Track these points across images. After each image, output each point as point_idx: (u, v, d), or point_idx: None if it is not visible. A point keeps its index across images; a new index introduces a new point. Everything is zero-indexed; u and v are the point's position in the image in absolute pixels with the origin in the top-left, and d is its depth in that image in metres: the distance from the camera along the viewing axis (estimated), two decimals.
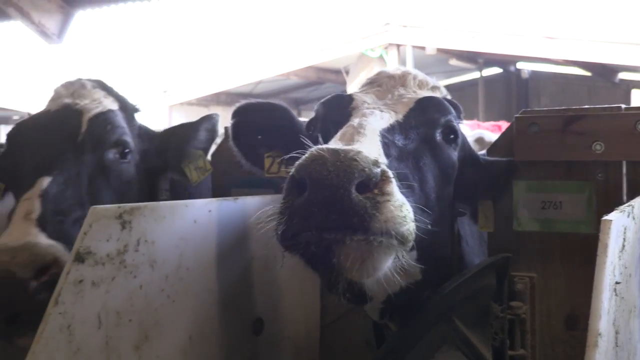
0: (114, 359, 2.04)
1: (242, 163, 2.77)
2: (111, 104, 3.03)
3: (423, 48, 17.14)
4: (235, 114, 2.70)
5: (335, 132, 2.20)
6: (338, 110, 2.38)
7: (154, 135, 3.24)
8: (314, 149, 1.79)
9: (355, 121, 2.14)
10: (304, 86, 23.03)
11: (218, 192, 3.42)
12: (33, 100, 21.49)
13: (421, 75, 2.57)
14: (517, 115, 2.60)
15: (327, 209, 1.70)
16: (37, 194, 2.52)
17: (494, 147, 2.71)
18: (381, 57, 17.20)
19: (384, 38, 17.06)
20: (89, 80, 3.08)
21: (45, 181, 2.57)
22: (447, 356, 2.34)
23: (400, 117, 2.29)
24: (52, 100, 2.98)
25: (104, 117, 2.91)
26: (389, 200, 1.75)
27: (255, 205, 2.63)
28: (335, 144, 1.92)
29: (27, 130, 2.86)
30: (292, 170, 1.80)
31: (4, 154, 2.89)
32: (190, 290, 2.32)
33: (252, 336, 2.66)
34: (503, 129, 3.96)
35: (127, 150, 2.95)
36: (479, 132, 5.02)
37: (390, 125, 2.21)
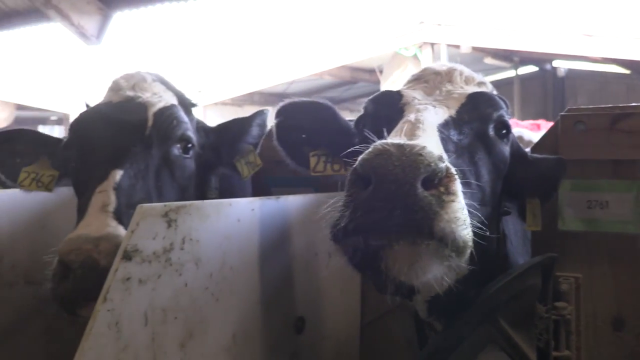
0: (159, 357, 2.05)
1: (287, 162, 2.77)
2: (171, 98, 3.05)
3: (458, 46, 17.01)
4: (279, 114, 2.70)
5: (388, 129, 2.18)
6: (388, 107, 2.37)
7: (209, 130, 3.26)
8: (378, 143, 1.77)
9: (411, 116, 2.13)
10: (338, 85, 23.02)
11: (258, 191, 3.44)
12: (70, 101, 21.84)
13: (467, 71, 2.55)
14: (562, 114, 2.57)
15: (392, 203, 1.68)
16: (112, 187, 2.54)
17: (538, 146, 2.68)
18: (415, 56, 17.10)
19: (418, 37, 16.95)
20: (149, 73, 3.10)
21: (118, 174, 2.60)
22: (491, 357, 2.32)
23: (453, 112, 2.28)
24: (112, 91, 3.00)
25: (169, 112, 2.92)
26: (454, 201, 1.73)
27: (296, 204, 2.64)
28: (397, 138, 1.89)
29: (91, 121, 2.88)
30: (356, 164, 1.78)
31: (67, 143, 2.92)
32: (233, 289, 2.33)
33: (294, 335, 2.66)
34: (542, 128, 3.90)
35: (189, 146, 2.97)
36: (518, 130, 4.96)
37: (445, 120, 2.21)
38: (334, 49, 19.29)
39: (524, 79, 22.45)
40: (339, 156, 2.68)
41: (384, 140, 1.79)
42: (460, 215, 1.74)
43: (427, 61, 16.56)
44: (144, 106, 2.90)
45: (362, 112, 2.58)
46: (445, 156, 1.87)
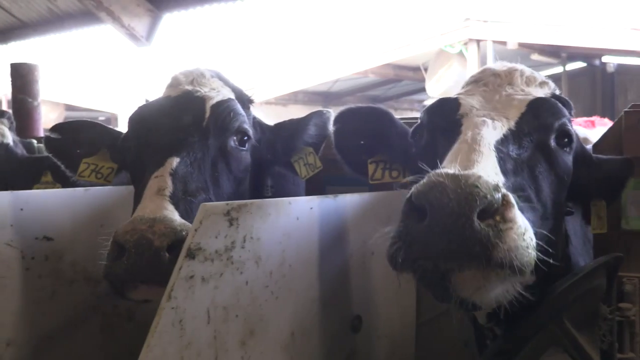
0: (221, 355, 2.07)
1: (345, 170, 2.77)
2: (229, 93, 3.07)
3: (504, 43, 16.76)
4: (337, 120, 2.69)
5: (444, 141, 2.16)
6: (445, 118, 2.32)
7: (265, 127, 3.29)
8: (432, 174, 1.77)
9: (468, 135, 2.09)
10: (382, 84, 22.90)
11: (312, 189, 3.44)
12: (118, 102, 22.22)
13: (528, 71, 2.48)
14: (626, 110, 2.51)
15: (448, 237, 1.68)
16: (168, 172, 2.58)
17: (600, 143, 2.62)
18: (461, 53, 16.92)
19: (464, 33, 16.74)
20: (207, 69, 3.14)
21: (175, 161, 2.63)
22: (554, 359, 2.28)
23: (512, 124, 2.21)
24: (171, 86, 3.05)
25: (226, 105, 2.96)
26: (511, 228, 1.71)
27: (353, 203, 2.63)
28: (452, 166, 1.88)
29: (150, 114, 2.93)
30: (410, 194, 1.78)
31: (126, 136, 2.99)
32: (292, 287, 2.33)
33: (351, 334, 2.65)
34: (597, 125, 3.81)
35: (246, 138, 3.00)
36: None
37: (504, 135, 2.14)
38: (377, 47, 19.20)
39: (572, 75, 22.00)
40: (397, 162, 2.66)
41: (438, 171, 1.78)
42: (519, 242, 1.73)
43: (472, 58, 16.38)
44: (201, 99, 2.94)
45: (418, 119, 2.54)
46: (502, 181, 1.87)
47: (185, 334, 1.95)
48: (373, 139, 2.71)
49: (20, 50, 11.73)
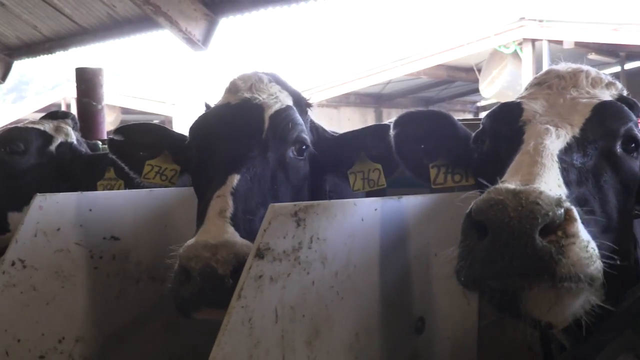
0: (288, 353, 2.10)
1: (406, 174, 2.75)
2: (286, 99, 3.08)
3: (560, 42, 16.44)
4: (397, 125, 2.67)
5: (507, 149, 2.13)
6: (508, 124, 2.28)
7: (322, 131, 3.30)
8: (492, 190, 1.75)
9: (530, 146, 2.04)
10: (434, 85, 22.72)
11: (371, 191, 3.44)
12: (173, 105, 22.61)
13: (594, 72, 2.41)
14: None
15: (511, 255, 1.66)
16: (229, 192, 2.61)
17: None
18: (515, 53, 16.67)
19: (518, 33, 16.49)
20: (265, 73, 3.15)
21: (235, 179, 2.65)
22: None
23: (576, 131, 2.16)
24: (230, 92, 3.07)
25: (285, 115, 2.96)
26: (574, 243, 1.69)
27: (416, 204, 2.63)
28: (513, 180, 1.85)
29: (210, 123, 2.96)
30: (470, 210, 1.77)
31: (188, 145, 3.03)
32: (357, 288, 2.35)
33: (414, 335, 2.65)
34: None
35: (304, 147, 3.00)
36: None
37: (567, 144, 2.09)
38: (430, 48, 19.06)
39: (630, 74, 21.44)
40: (459, 166, 2.64)
41: (498, 186, 1.76)
42: (582, 254, 1.70)
43: (527, 59, 16.12)
44: (260, 108, 2.94)
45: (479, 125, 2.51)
46: (565, 194, 1.83)
47: (254, 332, 1.98)
48: (434, 143, 2.67)
49: (79, 55, 12.05)
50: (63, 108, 21.51)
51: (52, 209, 2.90)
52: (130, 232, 3.23)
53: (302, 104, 3.20)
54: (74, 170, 4.30)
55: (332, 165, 3.19)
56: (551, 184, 1.84)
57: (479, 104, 23.66)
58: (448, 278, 2.77)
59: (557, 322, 1.87)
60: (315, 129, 3.27)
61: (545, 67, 14.89)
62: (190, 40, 8.18)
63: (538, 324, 1.92)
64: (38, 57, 11.96)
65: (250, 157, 2.77)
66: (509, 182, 1.83)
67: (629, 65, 21.72)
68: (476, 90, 19.28)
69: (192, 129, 3.02)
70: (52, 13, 10.20)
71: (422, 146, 2.69)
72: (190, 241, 2.44)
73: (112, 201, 3.18)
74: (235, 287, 1.97)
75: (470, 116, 22.32)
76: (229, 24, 8.58)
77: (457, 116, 3.21)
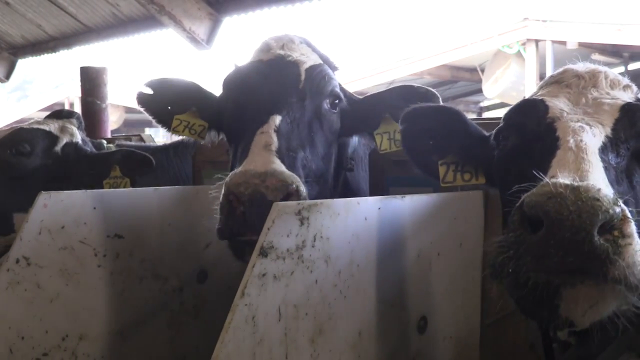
0: (291, 352, 2.10)
1: (415, 171, 2.75)
2: (317, 60, 3.18)
3: (563, 43, 16.41)
4: (405, 120, 2.65)
5: (538, 146, 2.10)
6: (534, 120, 2.25)
7: (349, 94, 3.36)
8: (549, 183, 1.72)
9: (571, 142, 2.01)
10: (438, 85, 22.66)
11: (375, 190, 3.45)
12: None
13: (611, 74, 2.39)
14: None
15: (566, 251, 1.63)
16: (273, 129, 2.69)
17: None
18: (519, 54, 16.65)
19: (522, 34, 16.46)
20: (296, 35, 3.26)
21: (277, 119, 2.75)
22: None
23: (608, 130, 2.13)
24: (262, 51, 3.16)
25: (320, 69, 3.09)
26: (630, 244, 1.66)
27: (420, 204, 2.63)
28: (564, 175, 1.81)
29: (248, 75, 3.06)
30: (522, 202, 1.73)
31: (222, 97, 3.14)
32: (360, 287, 2.35)
33: (417, 334, 2.66)
34: None
35: (337, 101, 3.12)
36: None
37: (603, 143, 2.07)
38: (434, 47, 19.05)
39: (634, 75, 21.35)
40: (469, 164, 2.62)
41: (556, 181, 1.72)
42: (637, 257, 1.67)
43: (531, 59, 16.10)
44: (296, 63, 3.06)
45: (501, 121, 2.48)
46: (617, 195, 1.79)
47: (257, 330, 1.99)
48: (443, 139, 2.65)
49: (82, 54, 12.07)
50: (67, 107, 21.53)
51: (56, 207, 2.91)
52: (134, 230, 3.24)
53: (331, 66, 3.31)
54: (80, 169, 4.32)
55: (359, 125, 3.27)
56: (601, 182, 1.81)
57: (482, 104, 23.65)
58: (451, 277, 2.81)
59: (591, 321, 1.82)
60: (342, 89, 3.35)
61: (549, 67, 14.89)
62: (194, 39, 8.20)
63: (565, 322, 1.88)
64: (42, 56, 11.99)
65: (290, 102, 2.89)
66: (561, 178, 1.79)
67: (632, 66, 21.68)
68: (479, 91, 19.25)
69: (227, 81, 3.13)
70: (56, 12, 10.23)
71: (431, 142, 2.66)
72: (237, 170, 2.48)
73: (116, 199, 3.18)
74: None
75: (473, 116, 22.31)
76: (233, 23, 8.59)
77: None
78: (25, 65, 13.44)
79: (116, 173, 4.15)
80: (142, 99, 3.31)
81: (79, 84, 6.78)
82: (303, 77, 3.00)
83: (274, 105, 2.83)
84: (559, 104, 2.26)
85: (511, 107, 2.44)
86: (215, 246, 3.44)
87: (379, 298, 2.46)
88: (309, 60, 3.10)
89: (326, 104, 3.06)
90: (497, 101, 19.36)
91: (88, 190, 3.11)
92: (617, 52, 19.14)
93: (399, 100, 3.14)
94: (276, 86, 2.93)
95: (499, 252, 1.77)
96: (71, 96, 22.08)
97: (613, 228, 1.65)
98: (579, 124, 2.13)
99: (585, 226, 1.61)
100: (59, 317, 2.96)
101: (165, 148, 5.16)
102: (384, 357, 2.49)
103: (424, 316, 2.68)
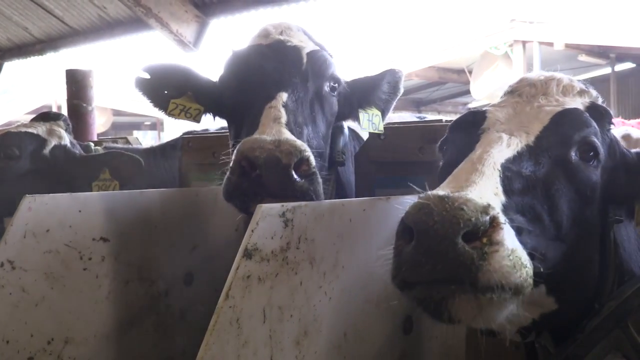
0: (276, 353, 2.11)
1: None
2: (313, 47, 3.24)
3: (550, 44, 16.51)
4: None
5: (462, 158, 2.11)
6: (468, 132, 2.26)
7: (341, 80, 3.42)
8: (423, 196, 1.78)
9: (476, 154, 2.05)
10: (426, 87, 22.79)
11: (360, 193, 3.46)
12: None
13: (566, 80, 2.38)
14: None
15: (434, 259, 1.68)
16: (281, 104, 2.76)
17: None
18: (506, 55, 16.72)
19: (509, 35, 16.54)
20: (293, 23, 3.33)
21: (284, 95, 2.83)
22: None
23: (531, 139, 2.13)
24: (261, 36, 3.23)
25: (320, 54, 3.19)
26: (497, 251, 1.69)
27: (405, 205, 2.63)
28: (445, 187, 1.86)
29: (249, 56, 3.12)
30: (403, 215, 1.79)
31: (223, 77, 3.21)
32: (345, 288, 2.36)
33: (402, 334, 2.67)
34: None
35: (336, 85, 3.22)
36: (625, 129, 4.79)
37: (517, 152, 2.07)
38: (422, 49, 19.12)
39: (621, 76, 21.55)
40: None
41: (427, 193, 1.79)
42: (505, 262, 1.70)
43: (518, 60, 16.17)
44: (297, 48, 3.14)
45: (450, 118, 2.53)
46: (498, 201, 1.84)
47: (242, 332, 2.00)
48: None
49: (69, 57, 12.02)
50: (54, 110, 21.42)
51: (41, 210, 2.90)
52: (120, 233, 3.23)
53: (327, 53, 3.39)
54: (70, 172, 4.30)
55: (350, 108, 3.40)
56: (486, 192, 1.84)
57: (470, 106, 23.73)
58: None
59: (484, 326, 1.88)
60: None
61: (536, 68, 14.98)
62: (181, 41, 8.18)
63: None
64: (29, 59, 11.93)
65: (294, 82, 2.97)
66: (441, 189, 1.84)
67: (619, 67, 21.84)
68: (467, 92, 19.34)
69: (228, 63, 3.20)
70: (43, 15, 10.18)
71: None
72: (247, 139, 2.51)
73: (102, 202, 3.18)
74: (300, 182, 2.20)
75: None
76: (220, 26, 8.58)
77: (449, 117, 3.24)
78: (11, 68, 13.38)
79: (106, 175, 4.14)
80: (139, 83, 3.37)
81: (65, 86, 6.75)
82: (305, 60, 3.08)
83: (280, 83, 2.92)
84: (498, 115, 2.27)
85: (454, 120, 2.47)
86: (202, 249, 3.45)
87: (365, 299, 2.47)
88: (308, 45, 3.19)
89: (326, 87, 3.15)
90: (485, 102, 19.44)
91: (73, 194, 3.11)
92: (603, 53, 19.29)
93: (385, 84, 3.43)
94: (281, 65, 3.02)
95: (389, 264, 1.83)
96: (58, 99, 21.99)
97: (482, 236, 1.69)
98: (499, 134, 2.14)
99: (448, 235, 1.65)
100: (45, 320, 2.95)
101: (152, 150, 5.15)
102: (369, 358, 2.50)
103: (409, 316, 2.69)
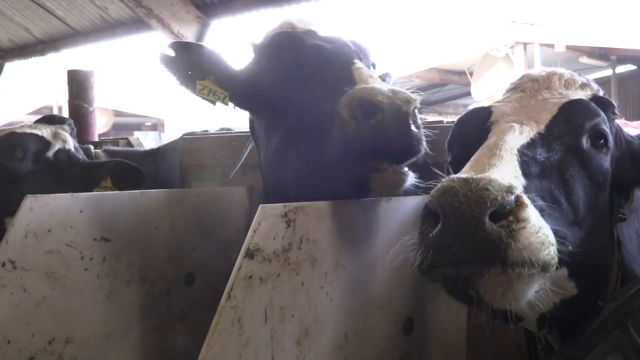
0: (278, 354, 2.11)
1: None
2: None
3: (551, 46, 16.52)
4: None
5: (474, 151, 2.15)
6: (477, 127, 2.30)
7: None
8: (445, 179, 1.79)
9: (490, 141, 2.08)
10: (427, 88, 22.74)
11: None
12: (164, 108, 22.57)
13: (567, 74, 2.43)
14: None
15: (462, 240, 1.69)
16: (365, 67, 2.68)
17: None
18: (507, 56, 16.73)
19: (510, 37, 16.55)
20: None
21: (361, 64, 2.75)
22: None
23: (542, 127, 2.18)
24: (289, 26, 3.12)
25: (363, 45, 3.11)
26: (524, 227, 1.71)
27: (407, 206, 2.64)
28: (467, 171, 1.88)
29: (297, 38, 3.03)
30: (427, 200, 1.80)
31: (262, 64, 3.14)
32: (346, 289, 2.36)
33: (403, 336, 2.67)
34: None
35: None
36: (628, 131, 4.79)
37: (531, 139, 2.12)
38: (423, 50, 19.13)
39: (622, 78, 21.57)
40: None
41: (451, 176, 1.80)
42: (533, 239, 1.72)
43: (519, 62, 16.17)
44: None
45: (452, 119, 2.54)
46: (520, 182, 1.87)
47: (243, 332, 1.99)
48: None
49: (70, 57, 12.04)
50: (55, 110, 21.44)
51: (42, 210, 2.90)
52: (121, 233, 3.23)
53: None
54: (72, 177, 4.29)
55: None
56: (506, 174, 1.87)
57: (471, 107, 23.75)
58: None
59: (511, 306, 1.86)
60: None
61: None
62: None
63: (500, 313, 1.97)
64: (30, 59, 11.95)
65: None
66: (463, 173, 1.86)
67: (620, 69, 21.84)
68: (468, 94, 19.33)
69: (267, 45, 3.11)
70: (44, 15, 10.20)
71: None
72: (359, 87, 2.40)
73: (103, 202, 3.18)
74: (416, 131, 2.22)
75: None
76: (221, 26, 8.58)
77: (450, 119, 3.24)
78: (12, 68, 13.40)
79: (107, 183, 4.14)
80: (164, 59, 3.30)
81: (67, 87, 6.75)
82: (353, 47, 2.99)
83: (353, 56, 2.81)
84: (504, 109, 2.31)
85: (459, 117, 2.49)
86: (203, 249, 3.45)
87: (366, 300, 2.47)
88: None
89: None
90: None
91: (74, 194, 3.10)
92: (604, 55, 19.29)
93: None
94: (343, 47, 2.90)
95: (412, 250, 1.84)
96: (59, 100, 22.01)
97: (508, 214, 1.70)
98: (510, 124, 2.18)
99: (475, 215, 1.66)
100: (46, 320, 2.95)
101: (152, 152, 5.15)
102: (370, 359, 2.50)
103: (410, 318, 2.69)
